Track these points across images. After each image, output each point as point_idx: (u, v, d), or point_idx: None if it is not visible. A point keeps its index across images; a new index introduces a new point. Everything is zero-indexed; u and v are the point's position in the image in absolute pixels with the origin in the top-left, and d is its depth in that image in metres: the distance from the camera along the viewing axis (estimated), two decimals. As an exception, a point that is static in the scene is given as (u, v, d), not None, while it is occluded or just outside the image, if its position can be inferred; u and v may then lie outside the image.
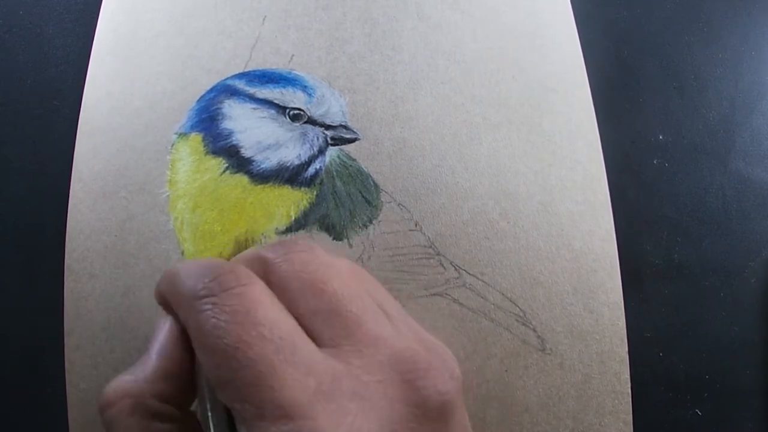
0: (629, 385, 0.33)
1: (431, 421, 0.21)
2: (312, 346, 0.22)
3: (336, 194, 0.34)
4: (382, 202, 0.34)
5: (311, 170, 0.34)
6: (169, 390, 0.24)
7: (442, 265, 0.34)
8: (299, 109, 0.35)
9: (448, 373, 0.22)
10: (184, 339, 0.24)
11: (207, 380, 0.23)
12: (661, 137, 0.38)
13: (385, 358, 0.22)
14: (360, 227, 0.34)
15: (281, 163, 0.34)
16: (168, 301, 0.25)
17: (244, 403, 0.20)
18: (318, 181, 0.34)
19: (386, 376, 0.21)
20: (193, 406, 0.25)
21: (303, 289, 0.23)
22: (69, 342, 0.33)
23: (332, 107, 0.35)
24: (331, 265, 0.24)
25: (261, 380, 0.20)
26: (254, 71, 0.36)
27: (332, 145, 0.35)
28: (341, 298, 0.23)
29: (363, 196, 0.34)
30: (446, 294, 0.34)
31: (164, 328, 0.25)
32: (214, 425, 0.22)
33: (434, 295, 0.34)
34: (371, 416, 0.20)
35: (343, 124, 0.35)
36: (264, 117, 0.35)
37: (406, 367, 0.22)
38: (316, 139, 0.35)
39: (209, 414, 0.23)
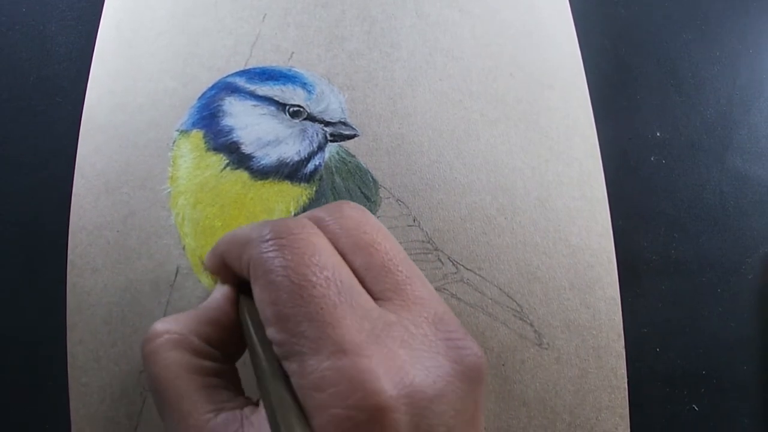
0: (626, 380, 0.34)
1: (469, 380, 0.22)
2: (367, 295, 0.23)
3: (335, 190, 0.34)
4: (380, 197, 0.35)
5: (311, 166, 0.35)
6: (214, 334, 0.25)
7: (440, 260, 0.34)
8: (299, 106, 0.35)
9: (478, 344, 0.23)
10: (234, 298, 0.26)
11: (256, 322, 0.24)
12: (658, 134, 0.39)
13: (429, 316, 0.23)
14: (359, 223, 0.34)
15: (281, 159, 0.35)
16: (225, 261, 0.26)
17: (300, 338, 0.21)
18: (317, 176, 0.35)
19: (431, 331, 0.22)
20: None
21: (356, 246, 0.24)
22: (71, 336, 0.33)
23: (331, 104, 0.36)
24: (381, 228, 0.25)
25: (322, 316, 0.21)
26: (254, 68, 0.36)
27: (331, 141, 0.35)
28: (392, 257, 0.24)
29: (362, 192, 0.35)
30: (444, 289, 0.34)
31: (218, 288, 0.26)
32: (264, 367, 0.23)
33: (432, 289, 0.34)
34: (418, 364, 0.21)
35: (342, 120, 0.36)
36: (264, 114, 0.35)
37: (448, 327, 0.23)
38: (315, 135, 0.35)
39: (260, 355, 0.23)
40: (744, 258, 0.37)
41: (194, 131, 0.35)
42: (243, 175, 0.34)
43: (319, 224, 0.25)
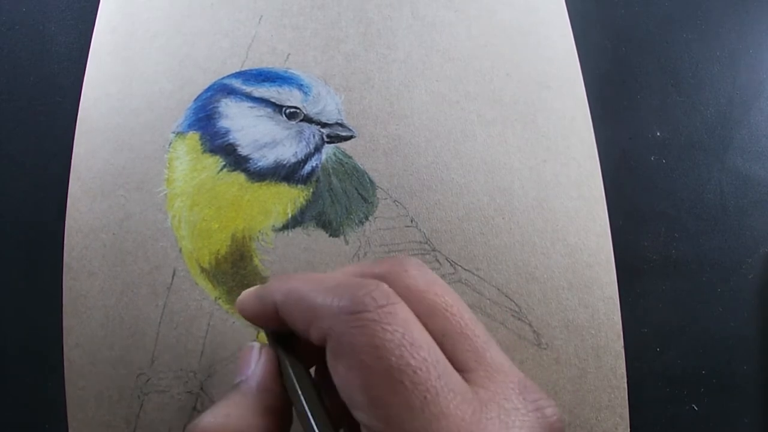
0: (625, 380, 0.33)
1: None
2: (457, 374, 0.21)
3: (332, 191, 0.34)
4: (378, 198, 0.35)
5: (308, 168, 0.35)
6: (272, 426, 0.23)
7: (438, 261, 0.34)
8: (295, 108, 0.35)
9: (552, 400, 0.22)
10: (279, 371, 0.24)
11: (313, 403, 0.22)
12: (658, 134, 0.38)
13: (515, 386, 0.21)
14: (356, 224, 0.34)
15: (278, 160, 0.34)
16: (281, 316, 0.23)
17: (400, 430, 0.19)
18: (314, 178, 0.35)
19: (521, 404, 0.21)
20: None
21: (432, 310, 0.22)
22: (68, 340, 0.33)
23: (328, 105, 0.36)
24: (449, 289, 0.23)
25: (427, 407, 0.19)
26: (251, 70, 0.36)
27: (328, 142, 0.35)
28: (468, 321, 0.22)
29: (359, 193, 0.35)
30: (442, 290, 0.34)
31: (261, 360, 0.24)
32: None
33: (430, 291, 0.34)
34: None
35: (339, 122, 0.35)
36: (260, 115, 0.35)
37: (533, 396, 0.21)
38: (312, 136, 0.35)
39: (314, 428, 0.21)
40: (744, 258, 0.37)
41: (190, 133, 0.35)
42: (240, 177, 0.34)
43: (389, 283, 0.22)
